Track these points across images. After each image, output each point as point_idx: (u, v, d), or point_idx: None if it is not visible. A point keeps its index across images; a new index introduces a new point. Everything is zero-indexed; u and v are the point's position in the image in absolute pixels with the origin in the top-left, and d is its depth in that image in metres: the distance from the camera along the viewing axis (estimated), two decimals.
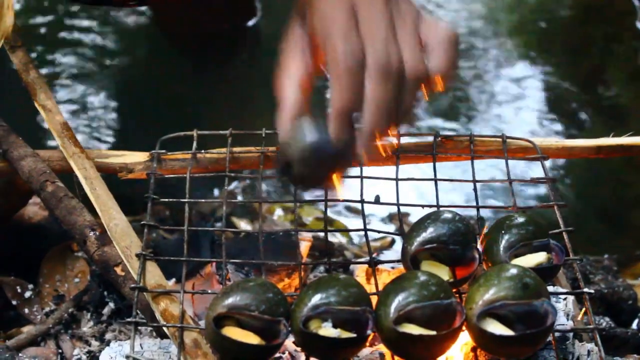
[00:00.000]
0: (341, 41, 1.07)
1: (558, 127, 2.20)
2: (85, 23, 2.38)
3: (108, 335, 1.38)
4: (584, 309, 1.33)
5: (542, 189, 1.94)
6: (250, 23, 2.34)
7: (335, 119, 1.08)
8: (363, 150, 1.09)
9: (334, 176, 1.13)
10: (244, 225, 1.76)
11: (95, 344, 1.37)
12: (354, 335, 1.04)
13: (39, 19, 2.37)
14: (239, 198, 1.90)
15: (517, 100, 2.27)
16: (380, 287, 1.15)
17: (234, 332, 1.03)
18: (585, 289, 1.16)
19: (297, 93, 1.11)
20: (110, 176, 1.35)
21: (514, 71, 2.35)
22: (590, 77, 2.38)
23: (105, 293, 1.43)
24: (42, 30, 2.35)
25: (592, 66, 2.43)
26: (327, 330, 1.04)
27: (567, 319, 1.22)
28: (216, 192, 1.92)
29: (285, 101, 1.11)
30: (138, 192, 1.36)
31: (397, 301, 1.06)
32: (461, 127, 2.16)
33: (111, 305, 1.42)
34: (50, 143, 2.00)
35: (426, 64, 1.09)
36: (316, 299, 1.05)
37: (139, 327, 1.26)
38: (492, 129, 2.13)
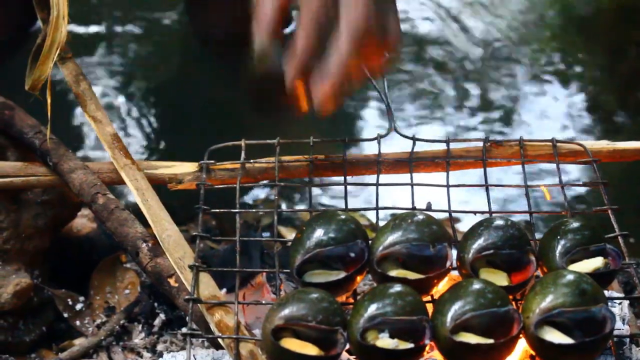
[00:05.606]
0: None
1: (599, 130, 2.18)
2: (126, 32, 2.39)
3: (159, 347, 1.38)
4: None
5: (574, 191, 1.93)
6: (286, 31, 2.34)
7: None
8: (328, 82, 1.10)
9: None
10: (288, 233, 1.76)
11: (147, 355, 1.37)
12: (412, 345, 1.04)
13: (79, 29, 2.38)
14: (283, 206, 1.89)
15: (557, 104, 2.25)
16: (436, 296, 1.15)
17: (292, 344, 1.03)
18: None
19: (275, 11, 1.15)
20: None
21: (552, 74, 2.33)
22: (629, 79, 2.35)
23: (156, 304, 1.43)
24: (81, 39, 2.36)
25: (631, 68, 2.40)
26: (385, 341, 1.03)
27: (624, 324, 1.21)
28: (249, 199, 1.92)
29: (263, 17, 1.16)
30: (181, 201, 1.36)
31: (454, 310, 1.05)
32: (502, 131, 2.15)
33: (162, 316, 1.41)
34: (94, 154, 2.01)
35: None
36: (372, 309, 1.05)
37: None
38: (532, 134, 2.11)
